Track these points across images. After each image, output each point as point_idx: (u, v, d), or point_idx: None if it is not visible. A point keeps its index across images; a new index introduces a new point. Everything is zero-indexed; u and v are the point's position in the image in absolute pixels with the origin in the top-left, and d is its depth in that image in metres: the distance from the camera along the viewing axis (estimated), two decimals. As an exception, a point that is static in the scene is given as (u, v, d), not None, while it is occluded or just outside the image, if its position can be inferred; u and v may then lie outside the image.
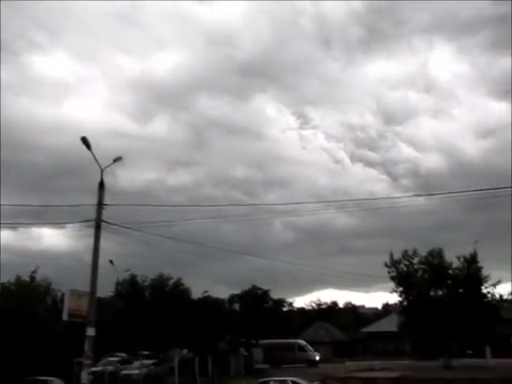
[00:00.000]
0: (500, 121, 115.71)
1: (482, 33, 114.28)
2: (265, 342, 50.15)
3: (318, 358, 47.90)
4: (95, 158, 21.80)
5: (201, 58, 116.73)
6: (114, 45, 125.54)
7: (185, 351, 40.74)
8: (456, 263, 41.68)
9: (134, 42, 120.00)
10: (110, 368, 36.13)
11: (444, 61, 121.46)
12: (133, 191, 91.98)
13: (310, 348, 49.16)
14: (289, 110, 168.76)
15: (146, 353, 40.53)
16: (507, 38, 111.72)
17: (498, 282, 42.10)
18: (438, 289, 41.76)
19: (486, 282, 40.98)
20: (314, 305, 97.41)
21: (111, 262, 40.34)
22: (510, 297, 78.72)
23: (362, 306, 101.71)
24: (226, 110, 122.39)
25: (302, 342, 49.95)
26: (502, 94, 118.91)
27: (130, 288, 42.26)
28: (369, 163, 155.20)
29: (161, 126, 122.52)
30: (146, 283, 42.75)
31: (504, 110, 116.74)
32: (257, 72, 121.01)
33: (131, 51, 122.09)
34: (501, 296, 51.78)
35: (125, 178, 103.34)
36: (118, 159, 22.72)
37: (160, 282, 42.47)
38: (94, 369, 26.04)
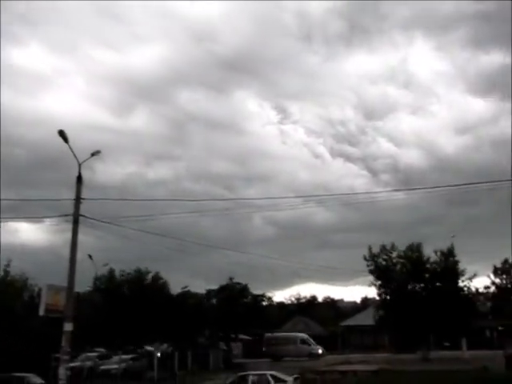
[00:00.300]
0: (478, 118, 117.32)
1: (461, 30, 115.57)
2: (267, 335, 50.21)
3: (320, 351, 47.91)
4: (73, 152, 21.56)
5: (181, 52, 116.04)
6: (93, 38, 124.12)
7: (164, 346, 40.63)
8: (434, 257, 42.29)
9: (113, 36, 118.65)
10: (88, 363, 35.93)
11: (424, 57, 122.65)
12: (112, 185, 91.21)
13: (313, 341, 49.16)
14: (269, 104, 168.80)
15: (131, 348, 40.23)
16: (486, 35, 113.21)
17: (474, 276, 42.92)
18: (416, 282, 42.25)
19: (463, 275, 41.64)
20: (293, 299, 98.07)
21: (90, 256, 40.07)
22: (485, 290, 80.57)
23: (341, 300, 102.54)
24: (207, 104, 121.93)
25: (304, 335, 49.86)
26: (481, 91, 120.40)
27: (108, 283, 42.02)
28: (349, 158, 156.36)
29: (140, 119, 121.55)
30: (124, 278, 42.56)
31: (482, 106, 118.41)
32: (238, 66, 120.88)
33: (111, 44, 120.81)
34: (477, 289, 52.84)
35: (103, 172, 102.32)
36: (96, 153, 22.52)
37: (138, 277, 42.31)
38: (71, 364, 25.83)
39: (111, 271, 41.94)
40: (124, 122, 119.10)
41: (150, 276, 42.86)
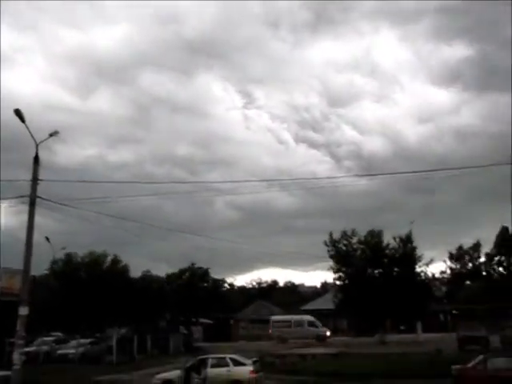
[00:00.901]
0: (440, 107, 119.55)
1: (425, 22, 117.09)
2: (274, 317, 49.94)
3: (328, 333, 47.79)
4: (30, 132, 20.96)
5: (146, 34, 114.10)
6: (55, 17, 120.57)
7: (123, 330, 40.33)
8: (393, 243, 43.07)
9: (77, 15, 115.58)
10: (44, 348, 35.40)
11: (388, 47, 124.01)
12: (72, 167, 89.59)
13: (320, 324, 48.89)
14: (234, 88, 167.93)
15: (90, 332, 39.58)
16: (449, 27, 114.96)
17: (431, 262, 44.00)
18: (375, 268, 42.99)
19: (420, 261, 42.57)
20: (254, 283, 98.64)
21: (47, 239, 39.26)
22: (441, 276, 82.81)
23: (302, 285, 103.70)
24: (171, 87, 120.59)
25: (311, 317, 49.54)
26: (443, 82, 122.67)
27: (65, 266, 41.35)
28: (312, 144, 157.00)
29: (102, 101, 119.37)
30: (81, 261, 41.97)
31: (444, 97, 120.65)
32: (203, 50, 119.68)
33: (74, 23, 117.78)
34: (433, 275, 54.19)
35: (64, 154, 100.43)
36: (54, 134, 21.95)
37: (96, 260, 41.77)
38: (27, 349, 25.32)
39: (68, 254, 41.23)
40: (86, 103, 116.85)
41: (108, 259, 42.33)
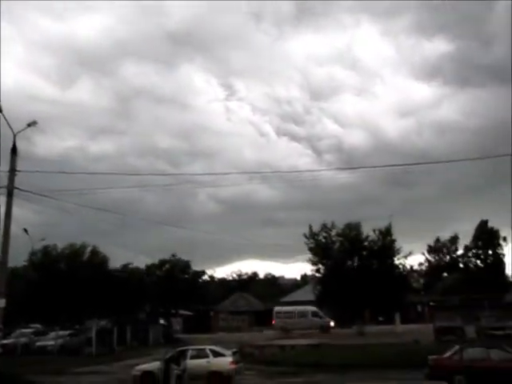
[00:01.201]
0: (421, 102, 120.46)
1: (406, 17, 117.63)
2: (277, 308, 49.75)
3: (332, 324, 47.66)
4: (7, 122, 20.72)
5: (128, 24, 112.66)
6: (36, 6, 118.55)
7: (103, 322, 40.20)
8: (372, 236, 43.48)
9: (57, 4, 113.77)
10: (23, 340, 35.13)
11: (370, 41, 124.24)
12: (52, 158, 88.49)
13: (323, 314, 48.66)
14: (216, 80, 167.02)
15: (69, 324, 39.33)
16: (430, 23, 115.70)
17: (409, 254, 44.51)
18: (354, 260, 43.35)
19: (399, 253, 43.06)
20: (234, 275, 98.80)
21: (25, 230, 38.83)
22: (419, 268, 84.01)
23: (282, 277, 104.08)
24: (153, 78, 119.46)
25: (314, 308, 49.38)
26: (424, 77, 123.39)
27: (44, 258, 40.98)
28: (294, 137, 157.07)
29: (83, 91, 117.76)
30: (61, 252, 41.65)
31: (425, 91, 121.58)
32: (185, 41, 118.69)
33: (54, 12, 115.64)
34: (411, 267, 55.00)
35: (43, 145, 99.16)
36: (32, 124, 21.73)
37: (76, 251, 41.48)
38: (5, 341, 25.17)
39: (47, 246, 40.87)
40: (66, 94, 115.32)
41: (88, 250, 42.06)
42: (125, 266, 44.04)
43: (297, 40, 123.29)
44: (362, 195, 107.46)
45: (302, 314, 48.29)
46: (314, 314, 47.80)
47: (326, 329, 45.27)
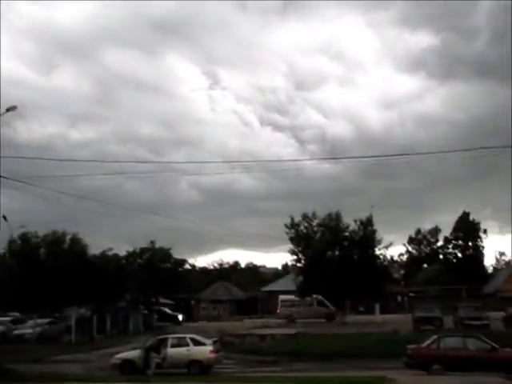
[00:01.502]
0: (404, 94, 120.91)
1: (391, 9, 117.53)
2: (283, 297, 49.33)
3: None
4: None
5: (111, 10, 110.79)
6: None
7: (82, 310, 39.96)
8: (353, 226, 43.66)
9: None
10: (0, 328, 34.74)
11: (354, 32, 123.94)
12: (32, 145, 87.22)
13: (329, 303, 48.31)
14: (200, 69, 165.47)
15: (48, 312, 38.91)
16: (414, 16, 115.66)
17: (390, 245, 44.86)
18: (335, 250, 43.48)
19: (379, 244, 43.31)
20: (216, 264, 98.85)
21: (4, 217, 38.24)
22: (399, 258, 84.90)
23: (263, 266, 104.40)
24: (136, 65, 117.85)
25: (320, 297, 49.04)
26: (407, 69, 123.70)
27: (23, 245, 40.47)
28: (277, 127, 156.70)
29: (65, 77, 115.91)
30: (41, 240, 41.18)
31: (408, 83, 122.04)
32: (169, 29, 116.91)
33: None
34: (391, 257, 55.52)
35: (24, 131, 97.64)
36: (11, 108, 21.44)
37: (56, 239, 41.05)
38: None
39: (25, 233, 40.36)
40: (47, 80, 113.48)
41: (68, 238, 41.64)
42: (103, 253, 43.72)
43: (282, 30, 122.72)
44: (345, 186, 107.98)
45: (308, 303, 48.18)
46: (320, 303, 47.50)
47: (331, 318, 45.22)
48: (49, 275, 36.22)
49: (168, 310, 53.46)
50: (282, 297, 50.20)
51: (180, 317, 52.52)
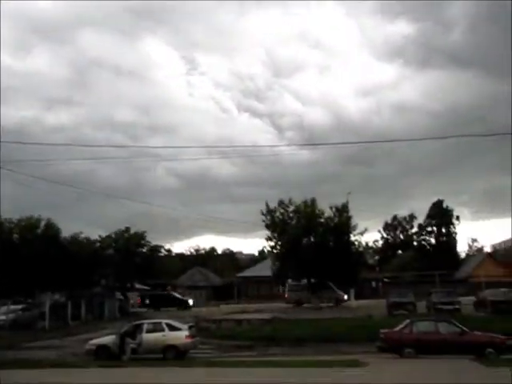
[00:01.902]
0: (381, 82, 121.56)
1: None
2: (290, 281, 48.81)
3: (345, 297, 47.19)
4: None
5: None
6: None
7: (57, 295, 39.59)
8: (328, 212, 43.89)
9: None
10: (-29, 315, 34.23)
11: (333, 20, 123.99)
12: (6, 128, 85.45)
13: (336, 288, 47.96)
14: (177, 54, 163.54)
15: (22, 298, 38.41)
16: (393, 6, 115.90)
17: (365, 231, 45.24)
18: (310, 236, 43.68)
19: (355, 230, 43.66)
20: (192, 250, 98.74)
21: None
22: (374, 245, 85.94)
23: (240, 252, 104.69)
24: (113, 49, 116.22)
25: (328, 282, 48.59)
26: (385, 58, 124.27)
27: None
28: (255, 114, 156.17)
29: (40, 61, 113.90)
30: (15, 226, 40.61)
31: (386, 72, 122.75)
32: (147, 13, 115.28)
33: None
34: (366, 244, 56.02)
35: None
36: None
37: (30, 224, 40.50)
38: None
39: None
40: (21, 63, 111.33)
41: (42, 224, 41.12)
42: (73, 237, 43.25)
43: (261, 17, 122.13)
44: (322, 172, 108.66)
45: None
46: (328, 288, 47.51)
47: (339, 301, 45.33)
48: (22, 261, 35.77)
49: (177, 295, 53.21)
50: (290, 281, 49.86)
51: (191, 301, 52.10)
